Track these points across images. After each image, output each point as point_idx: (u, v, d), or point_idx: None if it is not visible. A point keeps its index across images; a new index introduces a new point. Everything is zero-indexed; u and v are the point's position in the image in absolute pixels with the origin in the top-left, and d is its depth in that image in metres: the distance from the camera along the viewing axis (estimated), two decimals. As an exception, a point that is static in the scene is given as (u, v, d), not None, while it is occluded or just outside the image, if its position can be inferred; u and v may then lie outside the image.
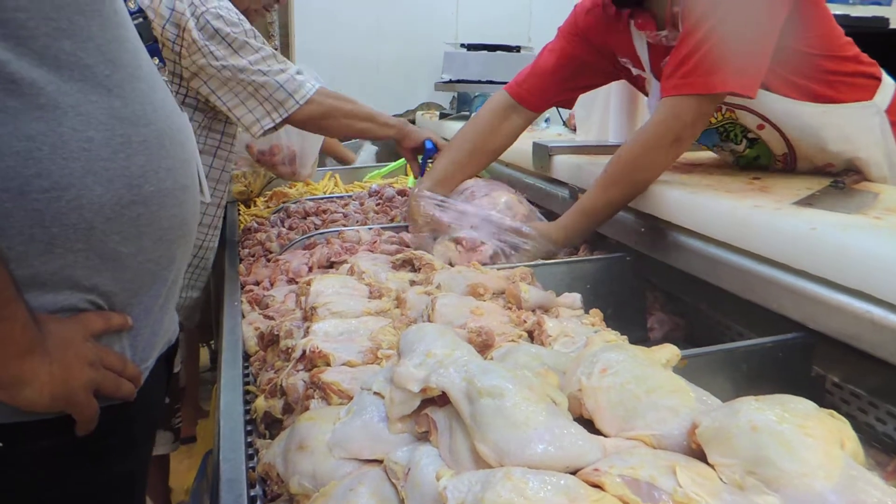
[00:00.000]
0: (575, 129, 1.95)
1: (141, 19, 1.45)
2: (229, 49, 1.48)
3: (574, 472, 0.55)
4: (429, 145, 1.76)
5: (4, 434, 0.76)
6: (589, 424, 0.63)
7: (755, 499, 0.49)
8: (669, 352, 0.71)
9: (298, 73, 1.58)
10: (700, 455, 0.56)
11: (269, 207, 2.14)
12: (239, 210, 2.16)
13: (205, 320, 2.48)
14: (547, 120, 2.40)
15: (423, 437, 0.65)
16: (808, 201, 1.09)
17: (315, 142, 1.96)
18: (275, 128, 1.57)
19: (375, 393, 0.72)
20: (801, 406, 0.55)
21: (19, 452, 0.78)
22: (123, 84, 0.80)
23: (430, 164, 1.76)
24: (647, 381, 0.63)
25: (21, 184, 0.70)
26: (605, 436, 0.61)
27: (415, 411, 0.67)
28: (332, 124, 1.63)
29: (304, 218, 1.77)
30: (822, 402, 0.95)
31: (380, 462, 0.66)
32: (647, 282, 1.37)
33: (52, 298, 0.76)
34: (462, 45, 2.75)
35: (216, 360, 2.73)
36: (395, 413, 0.66)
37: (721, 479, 0.52)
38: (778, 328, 0.98)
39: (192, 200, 0.92)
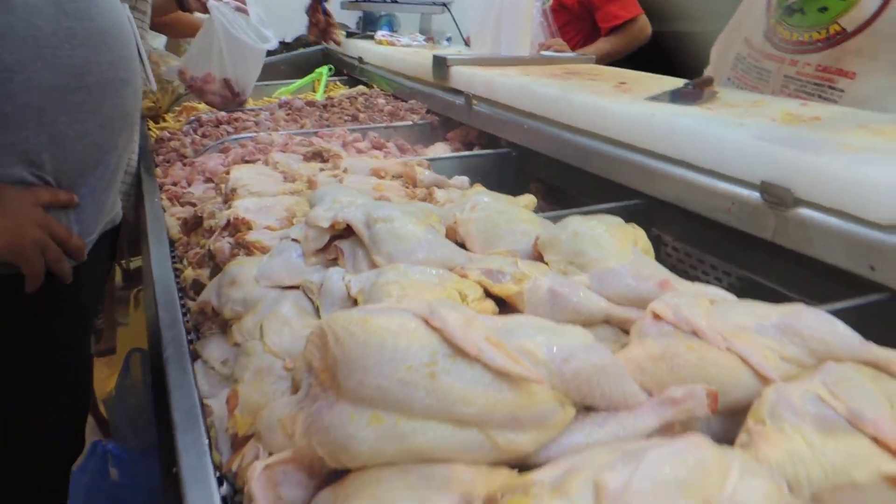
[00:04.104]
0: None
1: None
2: None
3: (447, 271, 0.73)
4: None
5: None
6: (462, 248, 0.81)
7: (572, 277, 0.69)
8: (527, 199, 0.90)
9: None
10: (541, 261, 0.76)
11: (179, 122, 2.18)
12: (148, 126, 2.18)
13: (119, 240, 2.51)
14: (448, 38, 2.52)
15: (333, 264, 0.81)
16: (656, 97, 1.30)
17: (252, 72, 2.00)
18: None
19: (293, 239, 0.87)
20: (612, 219, 0.76)
21: None
22: None
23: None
24: (507, 214, 0.82)
25: None
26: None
27: (325, 247, 0.83)
28: None
29: (217, 126, 1.85)
30: (662, 260, 1.17)
31: (298, 288, 0.82)
32: (530, 175, 1.57)
33: (5, 171, 0.86)
34: (367, -35, 2.81)
35: (130, 277, 2.79)
36: (310, 248, 0.82)
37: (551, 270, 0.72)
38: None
39: (134, 93, 1.02)
